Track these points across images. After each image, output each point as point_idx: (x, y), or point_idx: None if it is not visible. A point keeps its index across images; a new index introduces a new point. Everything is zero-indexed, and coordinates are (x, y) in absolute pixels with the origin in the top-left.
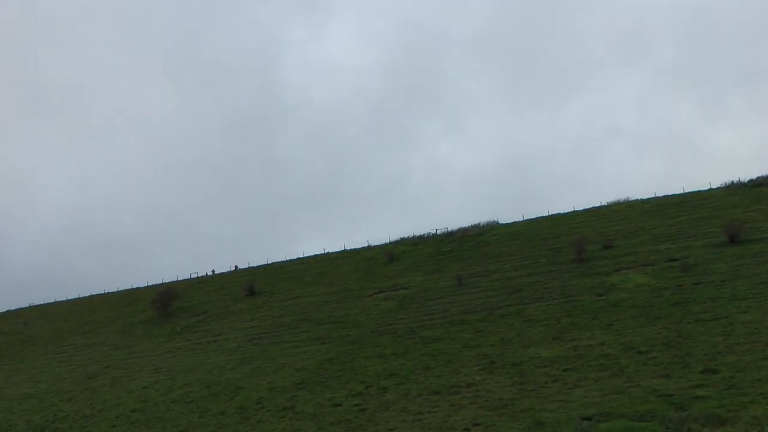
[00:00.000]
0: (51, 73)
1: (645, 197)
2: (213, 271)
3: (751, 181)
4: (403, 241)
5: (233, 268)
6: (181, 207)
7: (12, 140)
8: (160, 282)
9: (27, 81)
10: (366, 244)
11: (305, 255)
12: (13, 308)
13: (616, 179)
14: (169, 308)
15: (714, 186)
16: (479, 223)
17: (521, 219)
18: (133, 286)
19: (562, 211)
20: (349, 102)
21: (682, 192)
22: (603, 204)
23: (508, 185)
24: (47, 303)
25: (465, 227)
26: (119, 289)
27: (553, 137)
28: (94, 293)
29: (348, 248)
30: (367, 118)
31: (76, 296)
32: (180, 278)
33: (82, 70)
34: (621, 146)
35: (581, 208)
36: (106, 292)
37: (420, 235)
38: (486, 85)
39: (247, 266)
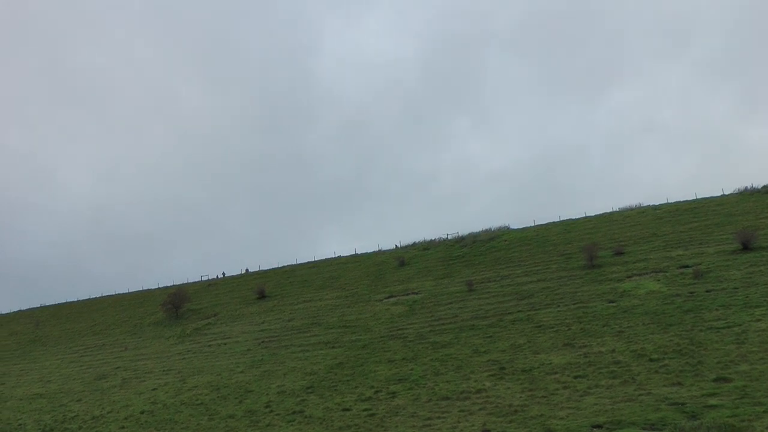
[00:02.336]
0: (80, 63)
1: (657, 203)
2: (223, 273)
3: (764, 187)
4: (413, 246)
5: (244, 271)
6: (202, 205)
7: (39, 130)
8: (171, 284)
9: (56, 70)
10: (377, 248)
11: (316, 259)
12: (25, 308)
13: (650, 179)
14: (179, 310)
15: (727, 192)
16: (490, 228)
17: (532, 224)
18: (144, 288)
19: (573, 217)
20: (381, 96)
21: (695, 198)
22: (615, 210)
23: (537, 185)
24: (58, 303)
25: (476, 232)
26: (130, 291)
27: (588, 133)
28: (105, 294)
29: (359, 252)
30: (399, 113)
31: (87, 297)
32: (191, 280)
33: (111, 60)
34: (656, 143)
35: (593, 214)
36: (117, 293)
37: (431, 240)
38: (521, 79)
39: (257, 269)
